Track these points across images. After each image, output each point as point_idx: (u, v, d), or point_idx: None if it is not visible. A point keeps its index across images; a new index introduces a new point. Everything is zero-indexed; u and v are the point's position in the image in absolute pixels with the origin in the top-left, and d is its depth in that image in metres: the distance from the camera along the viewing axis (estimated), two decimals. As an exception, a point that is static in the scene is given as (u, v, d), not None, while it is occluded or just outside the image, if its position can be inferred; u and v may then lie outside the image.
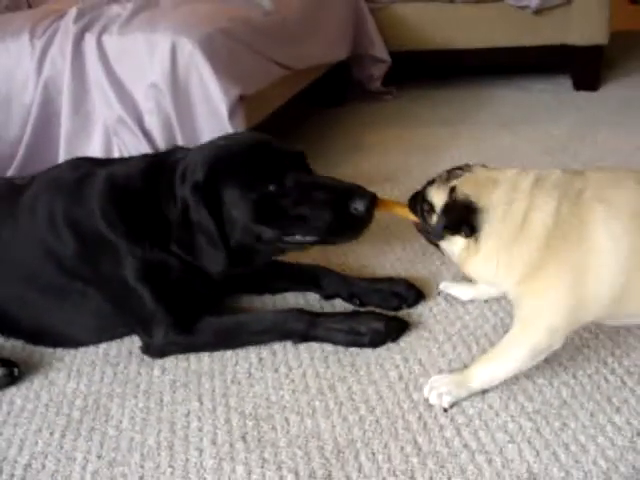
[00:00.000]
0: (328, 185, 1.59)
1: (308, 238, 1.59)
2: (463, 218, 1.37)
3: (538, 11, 3.39)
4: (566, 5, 3.37)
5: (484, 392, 1.41)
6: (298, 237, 1.59)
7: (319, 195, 1.55)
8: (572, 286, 1.32)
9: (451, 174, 1.45)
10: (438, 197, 1.44)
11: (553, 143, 2.85)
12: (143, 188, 1.65)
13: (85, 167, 1.74)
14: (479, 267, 1.42)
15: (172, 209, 1.61)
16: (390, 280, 1.80)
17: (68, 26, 2.19)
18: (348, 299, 1.78)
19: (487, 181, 1.40)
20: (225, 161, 1.58)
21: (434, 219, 1.46)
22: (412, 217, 1.56)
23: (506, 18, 3.46)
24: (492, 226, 1.36)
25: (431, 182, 1.49)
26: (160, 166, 1.67)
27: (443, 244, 1.48)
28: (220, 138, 1.70)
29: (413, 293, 1.76)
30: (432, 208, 1.46)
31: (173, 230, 1.58)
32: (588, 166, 2.54)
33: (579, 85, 3.53)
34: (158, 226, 1.62)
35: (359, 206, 1.54)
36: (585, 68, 3.49)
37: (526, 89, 3.65)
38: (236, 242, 1.59)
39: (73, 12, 2.24)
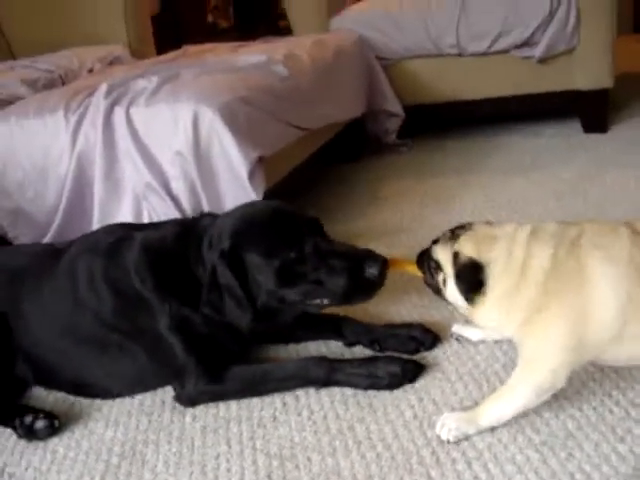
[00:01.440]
0: (343, 252, 1.74)
1: (326, 301, 1.73)
2: (477, 279, 1.49)
3: (542, 60, 3.51)
4: (570, 52, 3.49)
5: (493, 427, 1.49)
6: (317, 300, 1.73)
7: (335, 261, 1.70)
8: (572, 327, 1.42)
9: (454, 233, 1.59)
10: (443, 256, 1.58)
11: (563, 186, 2.94)
12: (174, 251, 1.81)
13: (120, 231, 1.91)
14: (484, 316, 1.54)
15: (201, 271, 1.77)
16: (408, 325, 1.90)
17: (99, 101, 2.36)
18: (369, 345, 1.88)
19: (486, 238, 1.53)
20: (249, 230, 1.74)
21: (440, 276, 1.60)
22: (420, 274, 1.71)
23: (512, 68, 3.59)
24: (494, 278, 1.48)
25: (436, 241, 1.64)
26: (190, 231, 1.83)
27: (450, 298, 1.61)
28: (243, 206, 1.86)
29: (430, 337, 1.85)
30: (438, 266, 1.60)
31: (203, 293, 1.73)
32: (597, 207, 2.65)
33: (588, 128, 3.62)
34: (188, 285, 1.77)
35: (373, 271, 1.69)
36: (592, 111, 3.59)
37: (536, 135, 3.76)
38: (262, 303, 1.73)
39: (103, 88, 2.42)
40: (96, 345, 1.83)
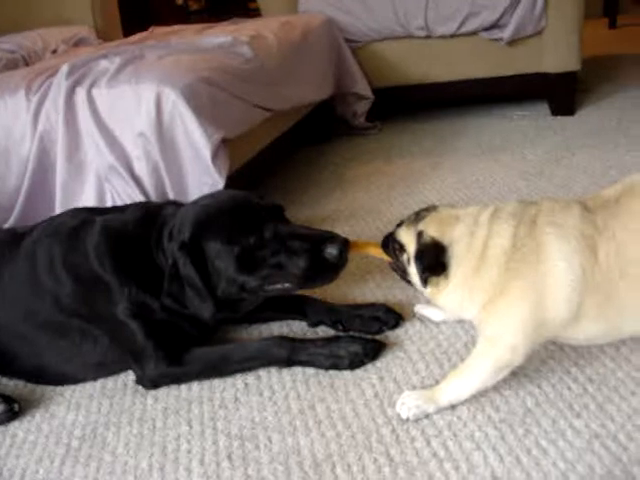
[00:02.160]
0: (303, 234, 1.72)
1: (287, 285, 1.73)
2: (437, 260, 1.50)
3: (511, 42, 3.52)
4: (537, 35, 3.50)
5: (453, 406, 1.51)
6: (278, 285, 1.73)
7: (295, 244, 1.69)
8: (532, 305, 1.43)
9: (418, 215, 1.60)
10: (407, 237, 1.59)
11: (530, 167, 2.96)
12: (135, 236, 1.80)
13: (83, 215, 1.89)
14: (448, 299, 1.55)
15: (161, 259, 1.77)
16: (371, 305, 1.91)
17: (60, 81, 2.32)
18: (332, 325, 1.88)
19: (449, 219, 1.54)
20: (208, 219, 1.73)
21: (404, 257, 1.60)
22: (384, 257, 1.71)
23: (481, 50, 3.59)
24: (457, 260, 1.49)
25: (400, 224, 1.64)
26: (152, 218, 1.83)
27: (414, 280, 1.61)
28: (204, 197, 1.85)
29: (393, 317, 1.86)
30: (402, 248, 1.61)
31: (165, 284, 1.72)
32: (563, 187, 2.68)
33: (556, 111, 3.65)
34: (148, 271, 1.77)
35: (333, 252, 1.67)
36: (560, 94, 3.61)
37: (505, 117, 3.78)
38: (222, 292, 1.73)
39: (65, 68, 2.38)
40: (56, 330, 1.81)
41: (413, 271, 1.59)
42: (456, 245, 1.49)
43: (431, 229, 1.53)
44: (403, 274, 1.66)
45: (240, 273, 1.70)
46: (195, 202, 1.84)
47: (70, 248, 1.80)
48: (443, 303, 1.58)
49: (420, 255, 1.53)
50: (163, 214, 1.83)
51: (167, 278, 1.71)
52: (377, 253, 1.74)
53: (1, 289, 1.86)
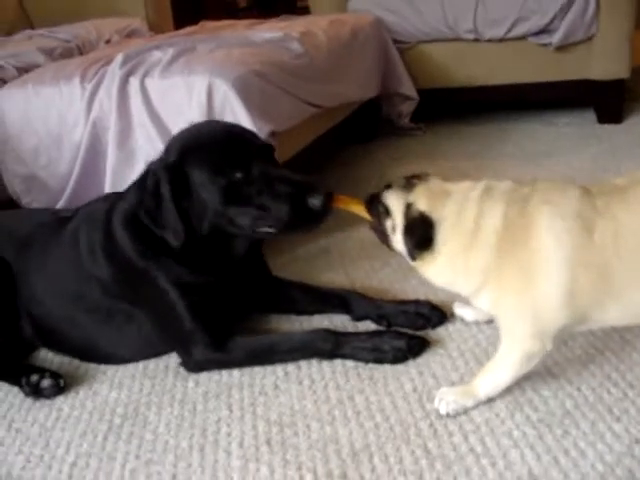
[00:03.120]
0: (290, 179, 1.73)
1: (272, 229, 1.73)
2: (426, 236, 1.47)
3: (560, 48, 3.49)
4: (587, 41, 3.47)
5: (491, 402, 1.51)
6: (264, 228, 1.73)
7: (281, 187, 1.70)
8: (528, 286, 1.40)
9: (408, 182, 1.55)
10: (394, 204, 1.54)
11: (574, 174, 2.93)
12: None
13: (112, 199, 1.92)
14: (436, 273, 1.53)
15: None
16: (416, 302, 1.92)
17: (115, 71, 2.38)
18: (377, 321, 1.89)
19: (440, 193, 1.50)
20: (197, 147, 1.74)
21: (389, 223, 1.56)
22: (366, 216, 1.66)
23: (529, 55, 3.57)
24: (445, 235, 1.46)
25: (389, 186, 1.59)
26: (145, 178, 1.79)
27: (397, 247, 1.58)
28: (196, 124, 1.85)
29: (437, 314, 1.87)
30: (387, 211, 1.56)
31: (144, 198, 1.73)
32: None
33: (603, 118, 3.61)
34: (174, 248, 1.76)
35: (315, 201, 1.68)
36: (608, 102, 3.57)
37: (550, 123, 3.74)
38: (211, 223, 1.73)
39: (119, 58, 2.44)
40: (102, 313, 1.85)
41: (397, 239, 1.56)
42: (445, 222, 1.46)
43: (421, 202, 1.48)
44: (383, 237, 1.62)
45: (225, 206, 1.71)
46: (184, 130, 1.84)
47: (105, 234, 1.84)
48: (430, 277, 1.55)
49: (409, 230, 1.50)
50: (150, 169, 1.80)
51: (147, 193, 1.72)
52: (359, 211, 1.69)
53: (47, 272, 1.91)
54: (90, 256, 1.85)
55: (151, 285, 1.77)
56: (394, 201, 1.54)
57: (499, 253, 1.42)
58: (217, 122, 1.94)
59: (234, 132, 1.80)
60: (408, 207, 1.50)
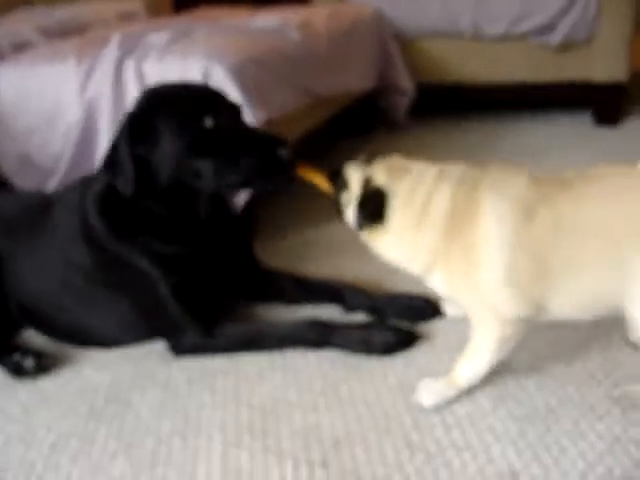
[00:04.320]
0: (259, 132, 1.75)
1: (240, 180, 1.71)
2: (378, 207, 1.47)
3: (560, 48, 3.50)
4: (587, 43, 3.48)
5: (474, 396, 1.51)
6: (232, 177, 1.70)
7: (250, 139, 1.70)
8: (469, 268, 1.41)
9: (371, 157, 1.57)
10: (353, 177, 1.55)
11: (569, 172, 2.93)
12: (106, 186, 1.78)
13: (84, 183, 1.88)
14: (385, 248, 1.53)
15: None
16: (409, 295, 1.91)
17: (111, 52, 2.36)
18: (369, 312, 1.89)
19: (399, 169, 1.50)
20: (165, 96, 1.73)
21: (345, 195, 1.57)
22: (326, 188, 1.66)
23: (529, 55, 3.58)
24: (396, 209, 1.46)
25: (351, 160, 1.61)
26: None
27: (348, 219, 1.58)
28: (164, 82, 1.83)
29: (430, 308, 1.86)
30: (345, 184, 1.57)
31: (106, 152, 1.73)
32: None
33: (600, 120, 3.61)
34: (147, 223, 1.76)
35: (284, 152, 1.68)
36: (606, 104, 3.58)
37: (548, 122, 3.75)
38: (173, 175, 1.70)
39: (116, 39, 2.42)
40: (86, 297, 1.84)
41: (350, 211, 1.56)
42: (398, 197, 1.47)
43: (379, 177, 1.50)
44: (339, 209, 1.62)
45: (194, 155, 1.68)
46: (155, 84, 1.83)
47: (80, 220, 1.81)
48: (380, 251, 1.56)
49: (363, 201, 1.51)
50: None
51: (110, 146, 1.72)
52: (320, 182, 1.69)
53: (34, 257, 1.89)
54: (69, 243, 1.83)
55: (129, 267, 1.75)
56: (353, 174, 1.56)
57: (446, 235, 1.43)
58: (186, 81, 1.91)
59: (204, 87, 1.81)
60: (367, 181, 1.51)
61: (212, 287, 1.84)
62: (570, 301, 1.42)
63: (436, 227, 1.43)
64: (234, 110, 1.78)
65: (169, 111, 1.69)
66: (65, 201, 1.90)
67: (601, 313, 1.44)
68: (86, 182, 1.88)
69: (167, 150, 1.68)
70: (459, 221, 1.42)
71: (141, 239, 1.75)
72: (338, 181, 1.60)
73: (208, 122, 1.67)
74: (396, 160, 1.55)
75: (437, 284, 1.51)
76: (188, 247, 1.79)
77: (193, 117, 1.68)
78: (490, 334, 1.45)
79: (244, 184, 1.76)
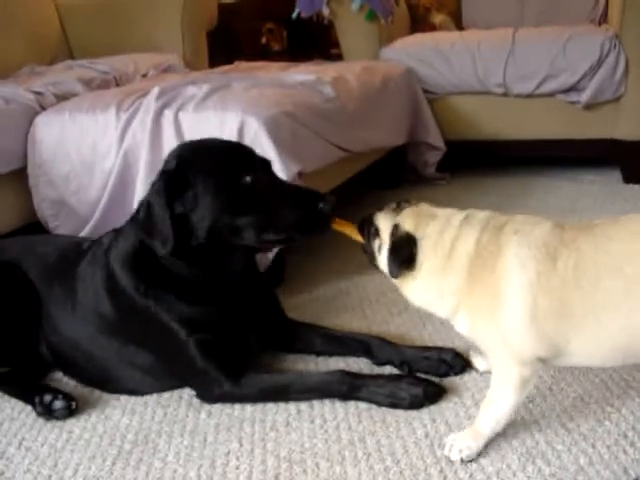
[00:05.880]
0: (297, 187, 1.78)
1: (280, 236, 1.74)
2: (409, 252, 1.52)
3: (588, 106, 3.53)
4: (615, 101, 3.51)
5: (503, 453, 1.50)
6: (271, 235, 1.73)
7: (289, 193, 1.73)
8: (492, 312, 1.43)
9: (399, 206, 1.62)
10: (383, 223, 1.60)
11: (597, 232, 2.93)
12: (133, 242, 1.79)
13: (110, 238, 1.90)
14: (415, 292, 1.57)
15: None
16: (439, 349, 1.91)
17: (150, 102, 2.44)
18: (398, 366, 1.88)
19: (426, 216, 1.55)
20: (199, 153, 1.74)
21: (377, 243, 1.62)
22: (359, 238, 1.71)
23: (556, 112, 3.61)
24: (424, 254, 1.51)
25: (380, 209, 1.65)
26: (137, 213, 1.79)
27: (382, 266, 1.62)
28: (193, 140, 1.86)
29: (460, 362, 1.86)
30: (377, 232, 1.62)
31: (139, 209, 1.73)
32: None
33: (628, 178, 3.62)
34: (171, 279, 1.76)
35: (325, 205, 1.72)
36: (634, 162, 3.58)
37: (575, 180, 3.75)
38: (210, 232, 1.70)
39: (155, 91, 2.50)
40: (115, 349, 1.84)
41: (382, 258, 1.61)
42: (426, 240, 1.51)
43: (407, 223, 1.54)
44: (371, 257, 1.67)
45: (233, 212, 1.68)
46: (185, 142, 1.87)
47: (106, 274, 1.82)
48: (410, 295, 1.59)
49: (394, 248, 1.55)
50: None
51: (141, 202, 1.72)
52: (352, 234, 1.74)
53: (65, 304, 1.91)
54: (95, 296, 1.85)
55: (155, 323, 1.76)
56: (382, 222, 1.61)
57: (470, 277, 1.46)
58: (216, 138, 1.91)
59: (235, 143, 1.84)
60: (395, 227, 1.55)
61: (239, 338, 1.85)
62: (593, 344, 1.42)
63: (460, 269, 1.47)
64: (267, 166, 1.82)
65: (206, 168, 1.71)
66: (94, 251, 1.92)
67: (630, 360, 1.44)
68: (110, 237, 1.90)
69: (206, 208, 1.69)
70: (483, 263, 1.45)
71: (167, 297, 1.75)
72: (369, 229, 1.65)
73: (247, 178, 1.69)
74: (423, 207, 1.60)
75: (460, 325, 1.54)
76: (215, 306, 1.81)
77: (231, 174, 1.70)
78: (509, 376, 1.45)
79: (286, 240, 1.78)
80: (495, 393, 1.49)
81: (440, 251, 1.49)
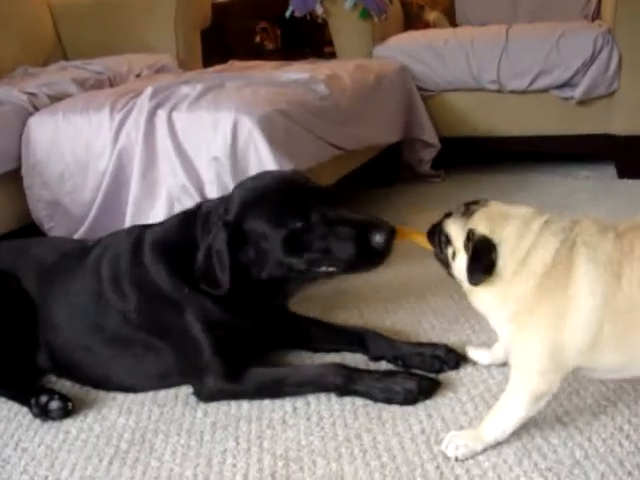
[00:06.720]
0: (350, 220, 1.75)
1: (332, 269, 1.76)
2: (491, 259, 1.47)
3: (582, 102, 3.53)
4: (608, 96, 3.51)
5: (499, 448, 1.50)
6: (324, 268, 1.76)
7: (342, 229, 1.72)
8: (555, 328, 1.41)
9: (468, 209, 1.56)
10: (454, 230, 1.56)
11: (592, 227, 2.93)
12: (181, 241, 1.84)
13: (137, 231, 1.95)
14: (483, 297, 1.53)
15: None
16: (432, 345, 1.92)
17: (143, 102, 2.44)
18: (393, 361, 1.89)
19: (500, 217, 1.50)
20: (255, 202, 1.77)
21: (450, 250, 1.58)
22: (428, 246, 1.69)
23: (550, 108, 3.61)
24: (503, 259, 1.46)
25: (449, 214, 1.61)
26: (192, 219, 1.86)
27: (457, 273, 1.58)
28: (250, 179, 1.90)
29: (453, 357, 1.86)
30: (448, 240, 1.58)
31: (198, 257, 1.75)
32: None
33: (623, 173, 3.62)
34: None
35: (379, 239, 1.70)
36: (628, 157, 3.59)
37: (569, 175, 3.75)
38: (269, 273, 1.77)
39: (149, 91, 2.50)
40: (121, 344, 1.86)
41: (457, 265, 1.56)
42: (504, 244, 1.46)
43: (481, 227, 1.49)
44: (445, 265, 1.63)
45: (287, 255, 1.73)
46: (241, 184, 1.87)
47: (132, 264, 1.86)
48: (476, 300, 1.56)
49: (475, 256, 1.49)
50: (203, 211, 1.86)
51: (202, 249, 1.75)
52: (422, 242, 1.73)
53: (69, 303, 1.93)
54: (112, 286, 1.86)
55: (179, 318, 1.79)
56: (453, 229, 1.56)
57: (539, 289, 1.43)
58: (272, 173, 1.99)
59: (289, 181, 1.83)
60: (470, 234, 1.50)
61: (251, 337, 1.87)
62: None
63: (532, 278, 1.43)
64: (324, 194, 1.81)
65: (261, 217, 1.74)
66: (107, 247, 1.94)
67: None
68: (136, 231, 1.95)
69: (264, 253, 1.75)
70: (556, 277, 1.41)
71: (200, 299, 1.79)
72: (439, 238, 1.61)
73: (298, 223, 1.72)
74: (493, 207, 1.55)
75: (507, 333, 1.51)
76: (248, 320, 1.85)
77: (284, 218, 1.73)
78: (526, 388, 1.45)
79: (338, 273, 1.81)
80: (507, 403, 1.48)
81: (516, 256, 1.45)
